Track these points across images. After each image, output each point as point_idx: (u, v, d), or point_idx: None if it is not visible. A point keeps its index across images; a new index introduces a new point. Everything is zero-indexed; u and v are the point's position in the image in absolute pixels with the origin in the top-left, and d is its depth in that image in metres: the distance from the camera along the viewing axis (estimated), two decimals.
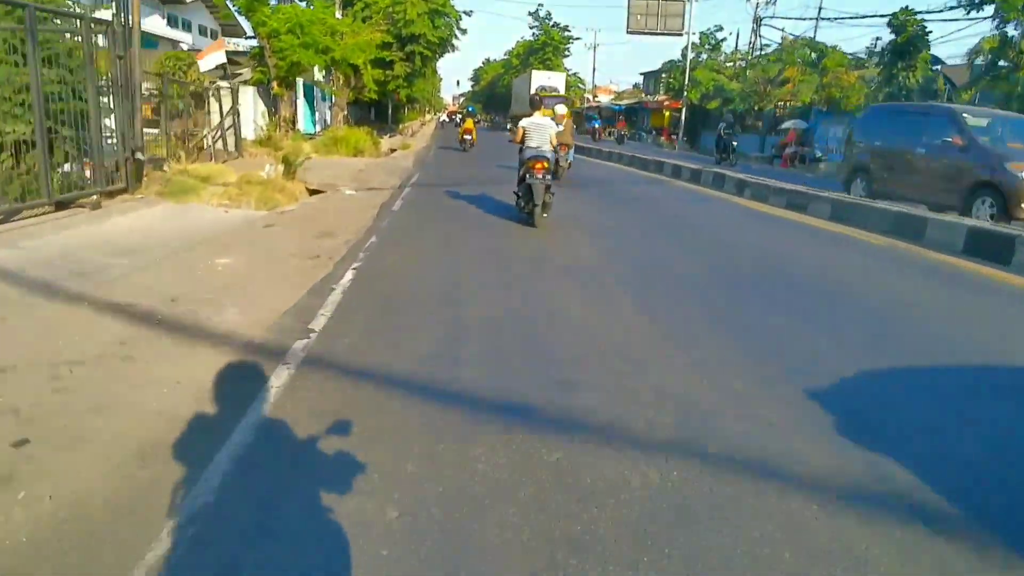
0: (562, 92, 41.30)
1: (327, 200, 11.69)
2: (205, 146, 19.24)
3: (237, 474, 2.77)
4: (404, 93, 42.18)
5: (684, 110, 36.80)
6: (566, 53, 69.86)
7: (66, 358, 3.79)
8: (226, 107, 20.48)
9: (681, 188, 16.53)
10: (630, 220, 11.12)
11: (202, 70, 19.81)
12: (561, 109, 15.95)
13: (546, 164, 9.09)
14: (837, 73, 26.76)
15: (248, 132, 23.32)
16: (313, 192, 14.42)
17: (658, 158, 21.55)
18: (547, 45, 67.68)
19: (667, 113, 45.27)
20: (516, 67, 75.43)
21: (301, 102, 33.00)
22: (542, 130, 9.48)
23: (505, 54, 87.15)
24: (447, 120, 69.26)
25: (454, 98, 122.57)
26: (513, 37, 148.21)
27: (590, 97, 73.13)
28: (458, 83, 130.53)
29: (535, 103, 10.12)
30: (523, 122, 9.70)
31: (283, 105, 23.97)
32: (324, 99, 38.34)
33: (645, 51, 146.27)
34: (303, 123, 32.89)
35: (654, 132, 44.89)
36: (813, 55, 28.30)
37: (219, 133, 20.33)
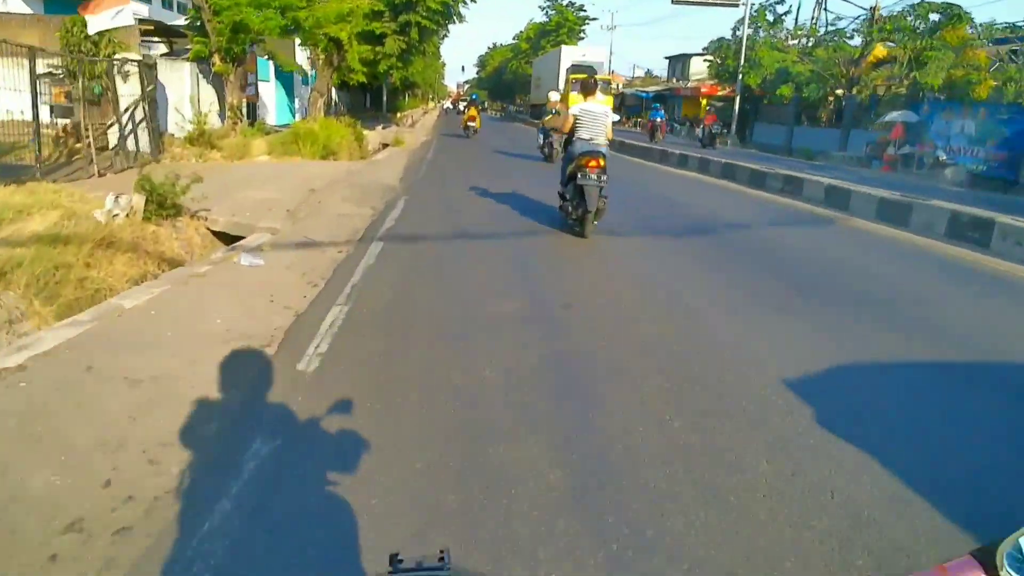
0: (601, 73, 34.16)
1: (177, 297, 5.15)
2: (105, 146, 13.01)
3: None
4: (398, 75, 35.65)
5: (737, 98, 30.11)
6: (581, 35, 63.12)
7: None
8: (133, 91, 14.12)
9: (894, 244, 8.92)
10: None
11: (91, 31, 13.47)
12: (554, 96, 16.14)
13: (602, 162, 7.62)
14: (964, 49, 20.22)
15: (181, 124, 16.90)
16: (229, 240, 8.05)
17: (780, 170, 14.18)
18: (561, 26, 60.86)
19: (703, 101, 38.53)
20: (526, 52, 69.03)
21: (272, 85, 26.55)
22: (597, 120, 7.92)
23: (514, 38, 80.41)
24: (451, 107, 64.16)
25: (458, 85, 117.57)
26: (522, 20, 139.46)
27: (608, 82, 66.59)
28: (463, 68, 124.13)
29: (588, 87, 8.31)
30: (574, 109, 8.12)
31: (229, 88, 17.49)
32: (306, 83, 31.88)
33: (670, 33, 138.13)
34: (275, 112, 26.47)
35: (689, 123, 38.21)
36: (929, 21, 21.40)
37: (129, 127, 14.05)
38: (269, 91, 25.90)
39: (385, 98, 34.57)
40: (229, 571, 2.17)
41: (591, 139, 7.82)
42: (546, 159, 16.71)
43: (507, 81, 78.49)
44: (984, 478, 3.02)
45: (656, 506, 2.62)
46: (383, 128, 29.20)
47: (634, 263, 7.10)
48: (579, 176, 7.57)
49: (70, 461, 2.66)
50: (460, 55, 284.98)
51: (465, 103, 39.15)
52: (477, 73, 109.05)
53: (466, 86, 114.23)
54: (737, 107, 30.13)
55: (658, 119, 25.26)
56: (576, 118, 7.96)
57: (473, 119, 26.63)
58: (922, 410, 3.69)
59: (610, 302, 5.54)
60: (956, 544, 2.43)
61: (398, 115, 37.51)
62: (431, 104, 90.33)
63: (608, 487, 2.75)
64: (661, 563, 2.32)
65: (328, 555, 2.24)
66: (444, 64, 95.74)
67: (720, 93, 36.41)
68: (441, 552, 0.84)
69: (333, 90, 34.19)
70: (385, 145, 23.91)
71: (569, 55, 37.21)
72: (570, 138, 8.13)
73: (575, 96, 8.91)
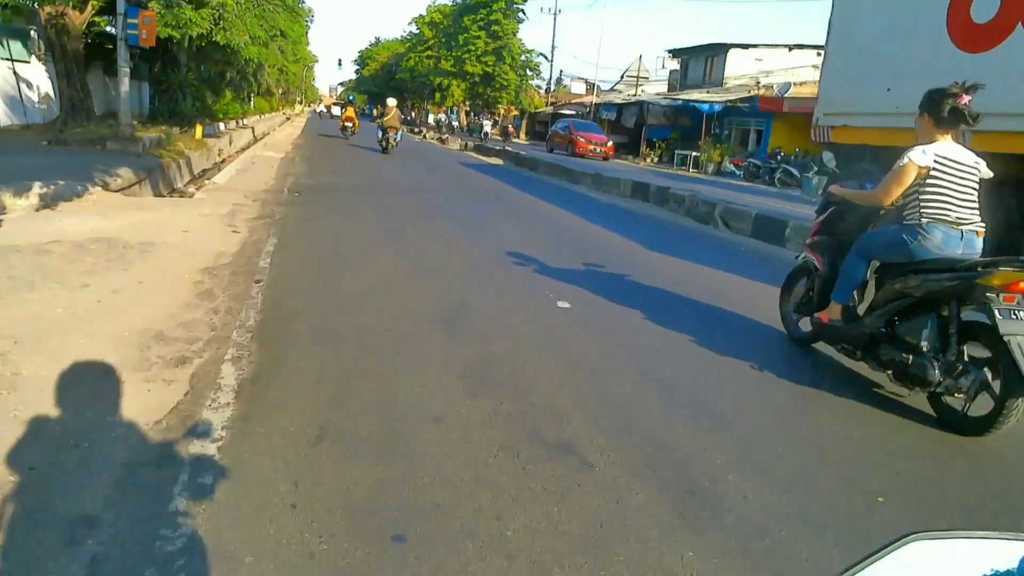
0: None
1: None
2: None
3: None
4: (201, 28, 13.40)
5: None
6: (520, 16, 42.44)
7: None
8: None
9: None
10: None
11: None
12: (391, 102, 19.19)
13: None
14: None
15: None
16: None
17: None
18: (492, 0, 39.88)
19: None
20: (429, 42, 47.75)
21: None
22: (967, 179, 3.34)
23: (406, 30, 58.83)
24: (324, 110, 60.55)
25: (331, 89, 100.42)
26: (413, 9, 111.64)
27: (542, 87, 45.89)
28: (340, 63, 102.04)
29: (952, 115, 3.27)
30: (918, 154, 3.30)
31: None
32: None
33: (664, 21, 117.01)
34: None
35: (814, 168, 18.61)
36: None
37: None
38: None
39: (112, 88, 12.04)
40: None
41: (960, 221, 3.29)
42: (383, 151, 18.56)
43: (400, 82, 56.55)
44: None
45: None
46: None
47: None
48: (991, 312, 2.95)
49: None
50: (336, 53, 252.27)
51: (340, 107, 40.72)
52: (357, 72, 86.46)
53: (340, 88, 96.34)
54: None
55: None
56: (926, 172, 3.30)
57: (351, 119, 24.40)
58: None
59: None
60: None
61: (199, 132, 14.96)
62: (298, 108, 68.65)
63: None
64: None
65: None
66: (316, 59, 72.87)
67: None
68: None
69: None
70: None
71: None
72: (873, 212, 3.74)
73: (925, 125, 3.37)
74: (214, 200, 8.92)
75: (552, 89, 46.39)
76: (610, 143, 22.86)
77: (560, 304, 4.67)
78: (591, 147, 22.19)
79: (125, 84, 12.29)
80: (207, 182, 11.74)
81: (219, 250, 5.81)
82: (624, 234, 8.03)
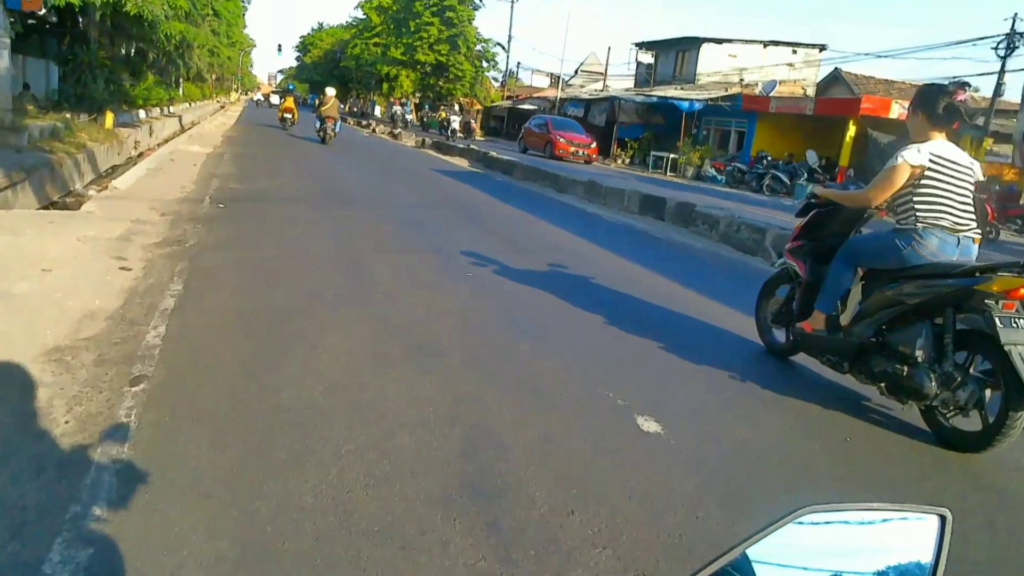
0: None
1: None
2: None
3: None
4: None
5: None
6: (476, 3, 40.32)
7: None
8: None
9: None
10: None
11: None
12: (330, 91, 19.24)
13: None
14: None
15: None
16: None
17: None
18: None
19: (852, 127, 17.64)
20: (377, 28, 45.41)
21: None
22: (964, 181, 3.15)
23: (352, 15, 56.08)
24: (262, 99, 58.46)
25: (270, 77, 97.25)
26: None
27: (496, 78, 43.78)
28: (280, 49, 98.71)
29: (953, 112, 3.09)
30: (912, 153, 3.10)
31: None
32: None
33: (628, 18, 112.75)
34: None
35: (804, 174, 17.28)
36: None
37: None
38: None
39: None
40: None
41: (957, 227, 3.11)
42: (322, 141, 18.58)
43: (345, 71, 53.79)
44: None
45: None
46: None
47: None
48: (991, 321, 2.78)
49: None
50: (276, 38, 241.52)
51: (279, 95, 40.23)
52: (298, 59, 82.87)
53: (280, 76, 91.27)
54: None
55: None
56: (920, 172, 3.10)
57: (290, 110, 23.23)
58: None
59: None
60: None
61: (110, 120, 12.53)
62: (234, 95, 65.47)
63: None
64: None
65: None
66: (254, 45, 69.30)
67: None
68: None
69: None
70: None
71: None
72: (858, 215, 3.62)
73: (919, 124, 3.20)
74: (108, 213, 6.68)
75: (506, 82, 44.44)
76: (593, 144, 20.73)
77: (642, 424, 2.79)
78: (572, 149, 19.90)
79: (4, 59, 9.79)
80: (111, 184, 9.42)
81: (89, 306, 3.70)
82: (664, 273, 6.03)
